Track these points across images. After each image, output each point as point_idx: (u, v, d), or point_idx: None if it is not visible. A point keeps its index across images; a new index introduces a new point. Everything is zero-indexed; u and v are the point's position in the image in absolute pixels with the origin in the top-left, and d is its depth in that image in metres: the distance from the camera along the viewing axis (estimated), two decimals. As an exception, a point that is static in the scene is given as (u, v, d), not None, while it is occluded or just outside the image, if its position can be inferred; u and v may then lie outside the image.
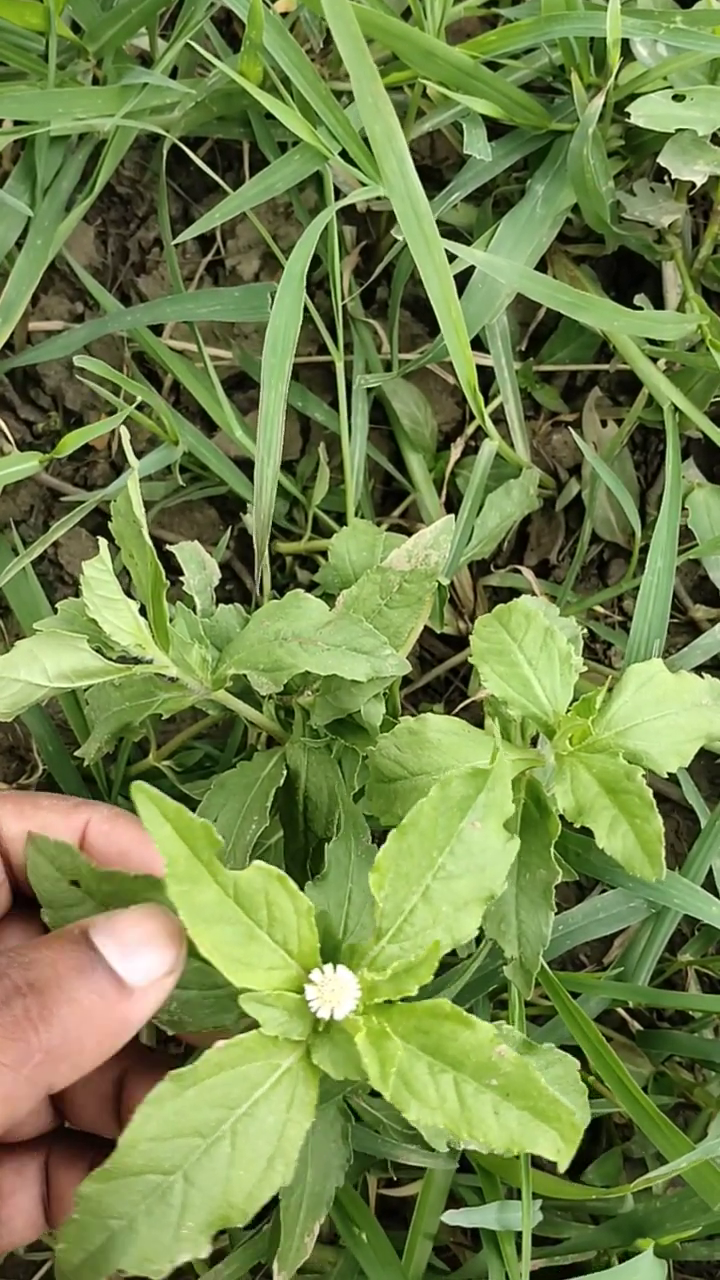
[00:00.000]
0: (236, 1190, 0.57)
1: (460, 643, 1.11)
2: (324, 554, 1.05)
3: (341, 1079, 0.59)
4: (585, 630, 1.10)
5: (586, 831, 0.80)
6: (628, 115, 0.94)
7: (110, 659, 0.79)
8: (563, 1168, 0.56)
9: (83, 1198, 0.56)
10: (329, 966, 0.60)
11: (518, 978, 0.76)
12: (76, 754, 0.92)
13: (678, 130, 0.93)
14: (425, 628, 1.09)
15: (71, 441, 0.94)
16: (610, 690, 0.78)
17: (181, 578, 0.92)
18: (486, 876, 0.62)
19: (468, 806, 0.62)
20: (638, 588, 0.96)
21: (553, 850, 0.75)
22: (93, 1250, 0.56)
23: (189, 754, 1.04)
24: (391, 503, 1.15)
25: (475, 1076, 0.58)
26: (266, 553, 0.98)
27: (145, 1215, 0.56)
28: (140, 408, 1.05)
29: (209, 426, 1.14)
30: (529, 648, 0.76)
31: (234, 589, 1.15)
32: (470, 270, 0.97)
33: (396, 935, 0.62)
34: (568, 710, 0.75)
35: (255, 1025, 0.60)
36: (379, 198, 1.06)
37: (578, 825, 0.71)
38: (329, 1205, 0.73)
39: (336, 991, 0.60)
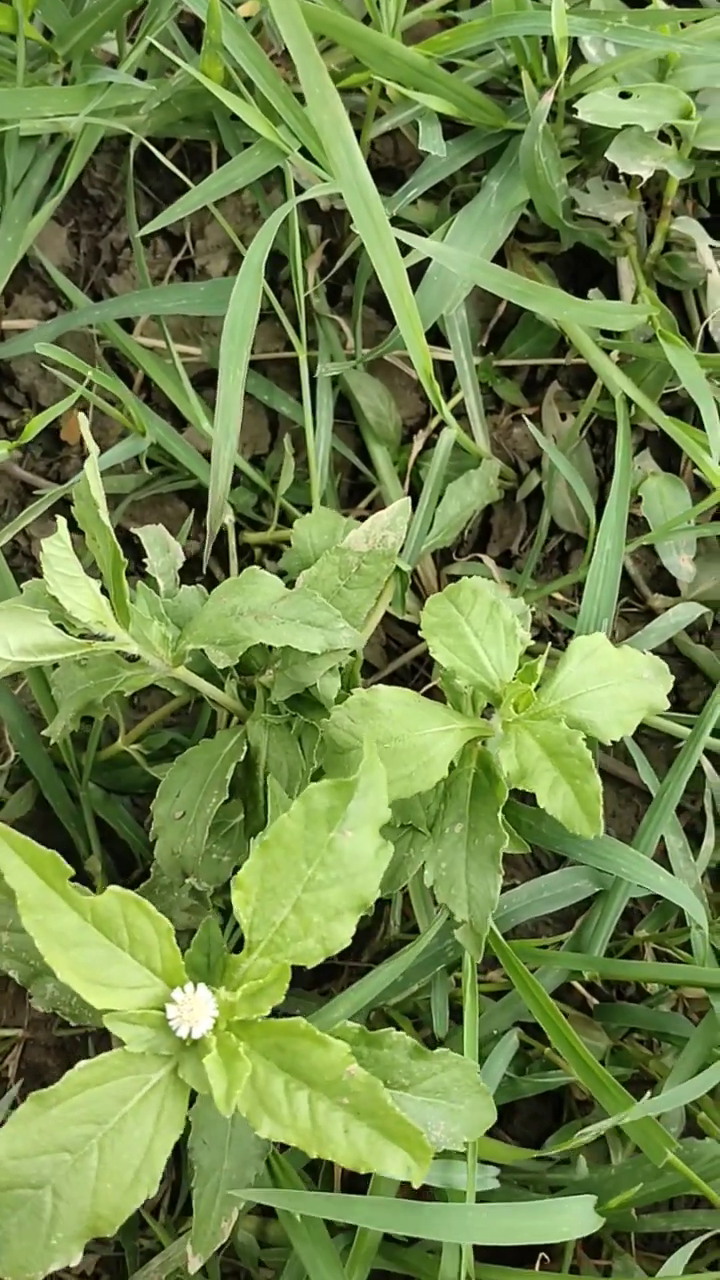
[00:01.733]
0: (104, 1203, 0.60)
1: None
2: (290, 543, 1.07)
3: (205, 1094, 0.62)
4: (547, 618, 1.12)
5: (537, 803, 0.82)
6: (577, 112, 0.97)
7: (73, 636, 0.81)
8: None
9: None
10: (189, 986, 0.63)
11: (468, 940, 0.77)
12: (44, 733, 0.94)
13: (625, 126, 0.95)
14: (389, 616, 1.11)
15: (35, 425, 0.96)
16: (555, 663, 0.81)
17: (147, 561, 0.95)
18: (359, 884, 0.64)
19: (335, 817, 0.64)
20: (588, 574, 0.99)
21: (500, 816, 0.77)
22: None
23: (156, 738, 1.06)
24: (358, 495, 1.17)
25: (327, 1094, 0.60)
26: (226, 531, 1.01)
27: (16, 1228, 0.60)
28: (112, 403, 1.07)
29: (178, 422, 1.16)
30: (476, 621, 0.79)
31: (203, 581, 1.17)
32: (427, 264, 1.00)
33: (268, 948, 0.64)
34: (513, 679, 0.77)
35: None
36: (340, 194, 1.09)
37: (522, 788, 0.73)
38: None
39: (195, 1010, 0.62)
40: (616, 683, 0.79)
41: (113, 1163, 0.60)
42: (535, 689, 0.76)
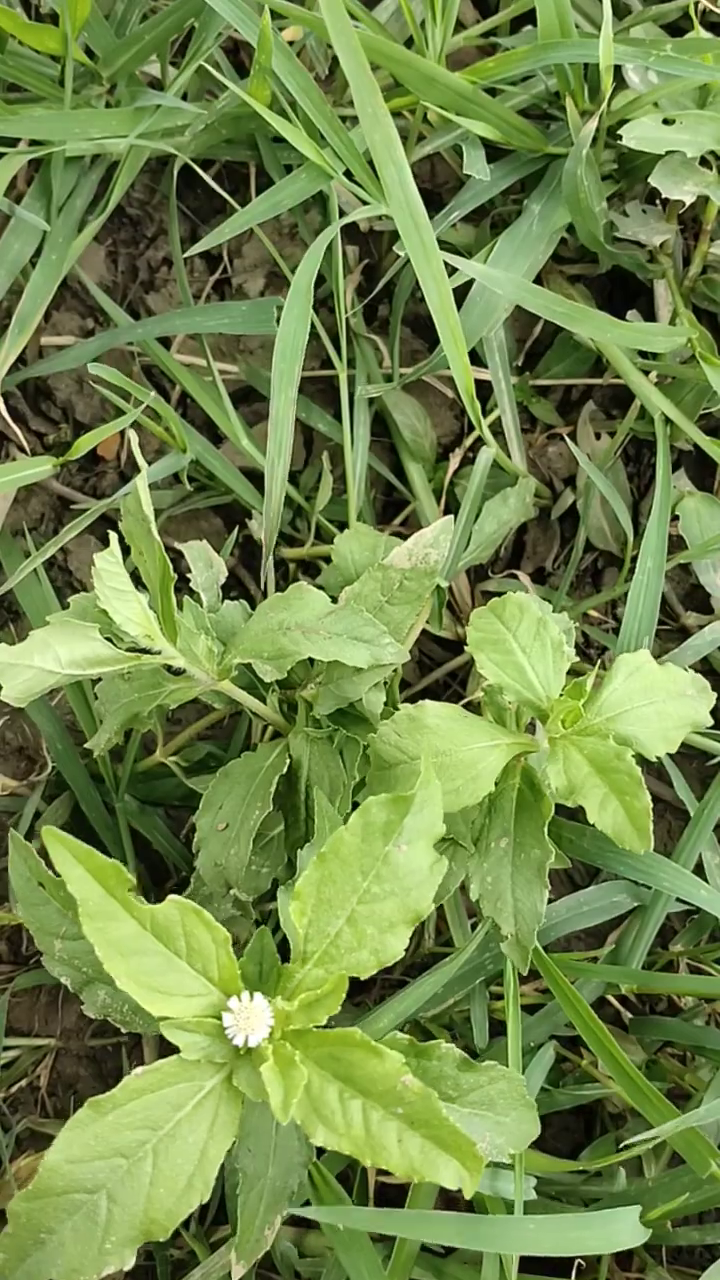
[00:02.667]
0: (158, 1207, 0.61)
1: (458, 647, 1.15)
2: (326, 559, 1.08)
3: (256, 1101, 0.63)
4: (580, 634, 1.13)
5: (578, 818, 0.83)
6: (620, 139, 0.98)
7: (120, 650, 0.82)
8: (467, 1195, 0.59)
9: (14, 1215, 0.60)
10: (246, 995, 0.64)
11: (513, 953, 0.78)
12: (86, 745, 0.95)
13: (668, 152, 0.97)
14: (424, 632, 1.12)
15: (85, 444, 0.98)
16: (600, 680, 0.81)
17: (190, 575, 0.96)
18: (413, 898, 0.65)
19: (391, 831, 0.65)
20: (627, 594, 1.00)
21: (546, 831, 0.78)
22: (27, 1262, 0.61)
23: (193, 750, 1.07)
24: (392, 512, 1.18)
25: (381, 1104, 0.61)
26: (260, 547, 1.01)
27: (72, 1231, 0.61)
28: (149, 418, 1.08)
29: (215, 439, 1.17)
30: (523, 636, 0.80)
31: (238, 594, 1.18)
32: (469, 285, 1.01)
33: (322, 959, 0.65)
34: (560, 695, 0.78)
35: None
36: (381, 217, 1.10)
37: (571, 804, 0.74)
38: (291, 1200, 0.76)
39: (251, 1019, 0.63)
40: (661, 699, 0.80)
41: (167, 1168, 0.61)
42: (582, 705, 0.77)
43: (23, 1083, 1.09)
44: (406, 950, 1.04)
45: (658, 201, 1.11)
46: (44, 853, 0.82)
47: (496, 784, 0.80)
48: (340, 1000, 0.61)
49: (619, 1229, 0.71)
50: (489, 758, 0.78)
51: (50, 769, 1.09)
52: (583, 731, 0.78)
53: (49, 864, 0.74)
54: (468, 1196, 0.58)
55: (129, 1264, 0.60)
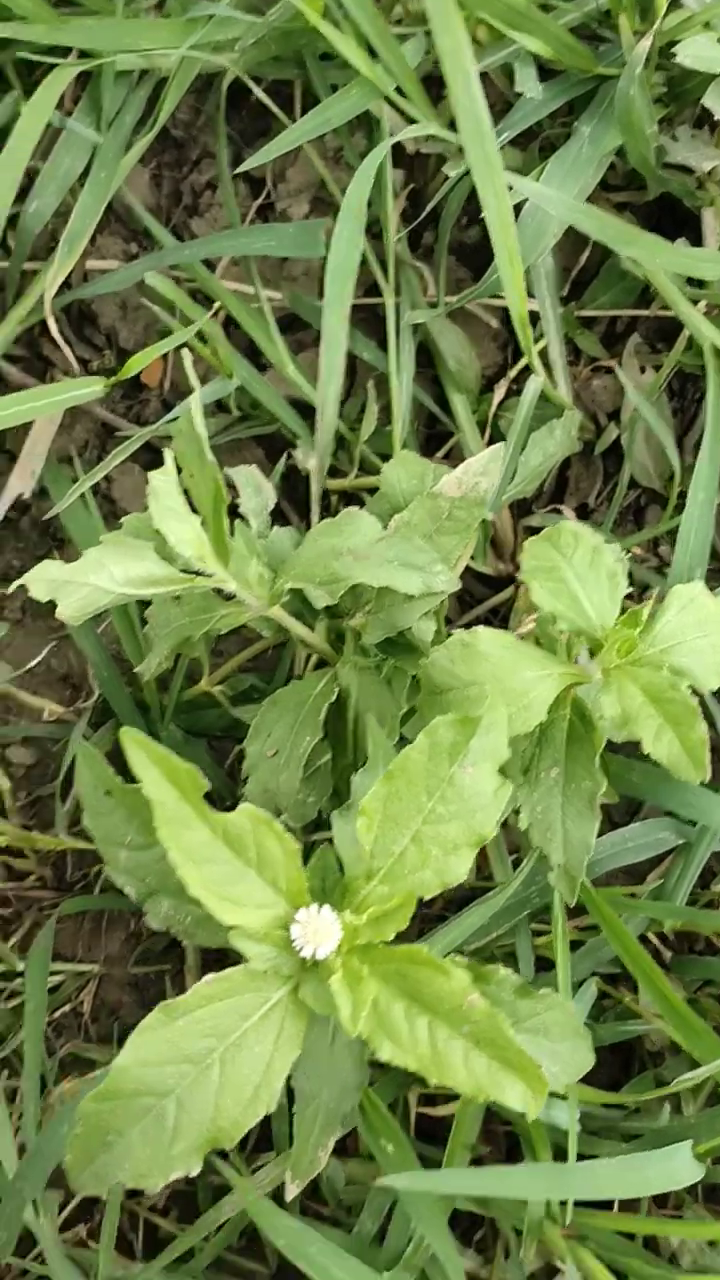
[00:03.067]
0: (224, 1115, 0.63)
1: (499, 584, 1.14)
2: (370, 491, 1.08)
3: (326, 1015, 0.63)
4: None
5: (626, 751, 0.83)
6: (673, 56, 0.97)
7: (174, 571, 0.82)
8: (531, 1118, 0.59)
9: (84, 1115, 0.61)
10: (314, 907, 0.64)
11: (562, 884, 0.79)
12: (136, 670, 0.95)
13: (722, 73, 0.95)
14: (466, 568, 1.11)
15: (137, 363, 0.97)
16: (653, 612, 0.81)
17: (239, 501, 0.95)
18: (477, 820, 0.65)
19: (458, 752, 0.65)
20: (673, 531, 0.99)
21: (598, 761, 0.78)
22: (95, 1164, 0.62)
23: (238, 681, 1.07)
24: (434, 445, 1.17)
25: (448, 1022, 0.62)
26: (301, 478, 1.01)
27: (140, 1135, 0.62)
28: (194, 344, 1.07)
29: (258, 368, 1.16)
30: (578, 565, 0.79)
31: (281, 526, 1.17)
32: (518, 210, 0.99)
33: (387, 876, 0.65)
34: (615, 625, 0.77)
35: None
36: (429, 138, 1.08)
37: (625, 734, 0.74)
38: (345, 1124, 0.77)
39: (319, 932, 0.64)
40: (715, 633, 0.80)
41: (234, 1077, 0.62)
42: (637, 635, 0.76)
43: (66, 1008, 1.10)
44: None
45: (707, 128, 1.09)
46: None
47: (548, 714, 0.80)
48: (409, 916, 0.62)
49: (678, 1167, 0.71)
50: (541, 687, 0.78)
51: (96, 696, 1.09)
52: (636, 662, 0.77)
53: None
54: (531, 1119, 0.59)
55: (195, 1170, 0.61)
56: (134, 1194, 1.07)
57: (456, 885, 0.65)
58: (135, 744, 0.62)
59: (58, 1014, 1.10)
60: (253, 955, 0.63)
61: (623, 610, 0.79)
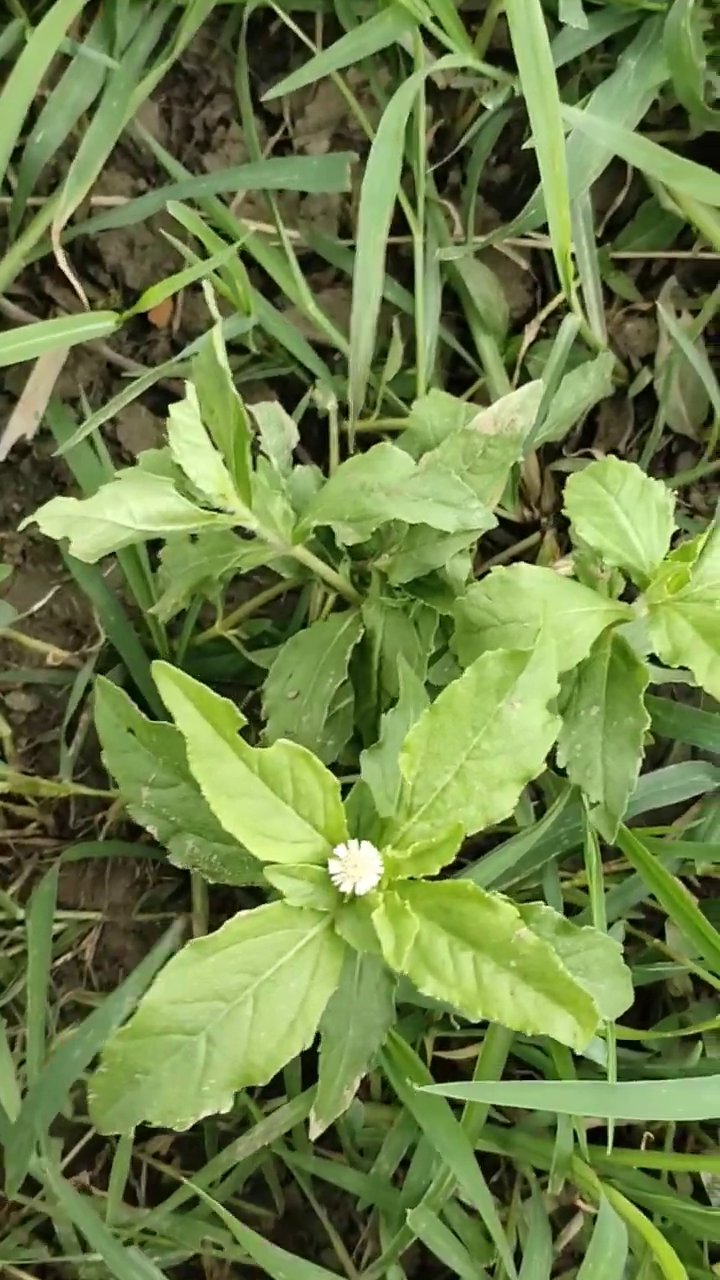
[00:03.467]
0: (257, 1051, 0.61)
1: (523, 530, 1.11)
2: (393, 434, 1.04)
3: (364, 951, 0.61)
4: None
5: (664, 694, 0.80)
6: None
7: (194, 507, 0.79)
8: (580, 1050, 0.57)
9: (110, 1053, 0.60)
10: (354, 842, 0.62)
11: (601, 822, 0.76)
12: (150, 611, 0.92)
13: (775, 2, 0.92)
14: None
15: (153, 296, 0.94)
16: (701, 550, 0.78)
17: (260, 438, 0.92)
18: (524, 756, 0.64)
19: (506, 687, 0.63)
20: (705, 478, 0.96)
21: (641, 699, 0.75)
22: (121, 1102, 0.61)
23: (253, 625, 1.04)
24: (456, 390, 1.14)
25: (494, 957, 0.60)
26: (321, 419, 0.97)
27: (170, 1072, 0.60)
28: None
29: (275, 308, 1.13)
30: (625, 500, 0.76)
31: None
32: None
33: (428, 813, 0.63)
34: (665, 559, 0.75)
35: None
36: (462, 70, 1.05)
37: (675, 665, 0.71)
38: (370, 1063, 0.75)
39: (359, 867, 0.62)
40: (766, 569, 0.77)
41: (268, 1013, 0.60)
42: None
43: (68, 956, 1.07)
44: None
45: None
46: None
47: (589, 653, 0.77)
48: (455, 850, 0.59)
49: (713, 1095, 0.69)
50: (584, 623, 0.75)
51: (103, 641, 1.06)
52: (685, 599, 0.74)
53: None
54: (579, 1051, 0.57)
55: (226, 1107, 0.59)
56: (139, 1140, 1.04)
57: (501, 820, 0.62)
58: (169, 678, 0.59)
59: (59, 962, 1.07)
60: (289, 891, 0.60)
61: (671, 546, 0.76)
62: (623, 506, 0.76)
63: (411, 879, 0.62)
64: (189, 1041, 0.59)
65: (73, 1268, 1.00)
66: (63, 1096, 0.91)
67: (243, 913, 0.60)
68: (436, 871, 0.60)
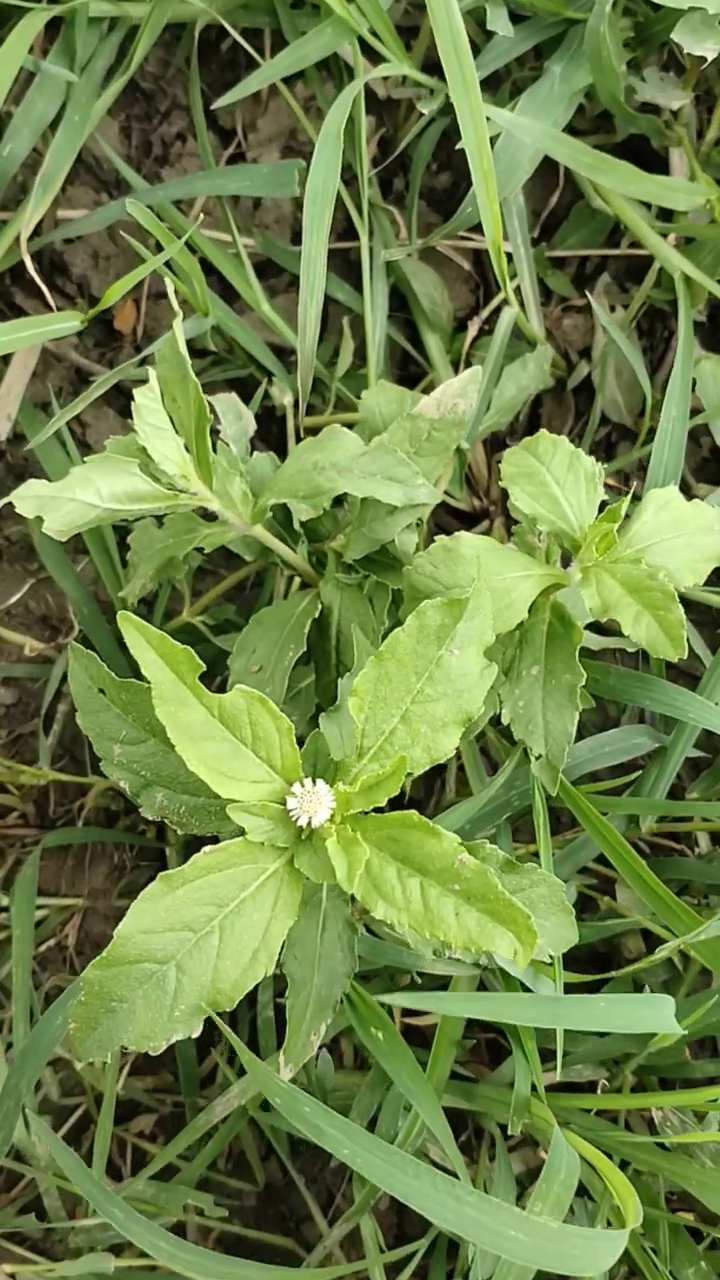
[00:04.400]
0: (224, 979, 0.65)
1: (472, 519, 1.16)
2: (347, 427, 1.10)
3: (320, 882, 0.66)
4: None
5: (602, 658, 0.85)
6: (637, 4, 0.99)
7: (159, 487, 0.83)
8: (521, 968, 0.61)
9: (87, 982, 0.64)
10: (309, 780, 0.66)
11: (544, 774, 0.81)
12: (120, 594, 0.96)
13: (690, 9, 0.98)
14: (440, 505, 1.13)
15: (116, 291, 0.98)
16: (630, 514, 0.83)
17: (220, 428, 0.97)
18: (464, 700, 0.68)
19: (445, 635, 0.68)
20: (644, 462, 1.01)
21: (577, 656, 0.80)
22: (99, 1030, 0.64)
23: (220, 611, 1.09)
24: (406, 385, 1.19)
25: (439, 881, 0.64)
26: (277, 414, 1.01)
27: (143, 999, 0.64)
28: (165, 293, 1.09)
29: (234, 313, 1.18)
30: (556, 469, 0.81)
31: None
32: (493, 142, 1.02)
33: (378, 755, 0.68)
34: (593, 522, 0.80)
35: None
36: (403, 81, 1.11)
37: (604, 619, 0.76)
38: (335, 1009, 0.79)
39: (314, 802, 0.66)
40: (690, 532, 0.82)
41: (233, 942, 0.64)
42: (615, 532, 0.78)
43: (51, 942, 1.11)
44: (429, 803, 1.07)
45: (673, 71, 1.12)
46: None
47: (529, 617, 0.82)
48: (400, 782, 0.64)
49: (657, 1012, 0.73)
50: (522, 587, 0.80)
51: (77, 632, 1.10)
52: (615, 560, 0.80)
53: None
54: (520, 968, 0.61)
55: (196, 1032, 0.62)
56: (121, 1121, 1.08)
57: (444, 759, 0.67)
58: (133, 627, 0.63)
59: (43, 948, 1.10)
60: (250, 827, 0.64)
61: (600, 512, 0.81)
62: (554, 476, 0.81)
63: (363, 813, 0.66)
64: (160, 970, 0.63)
65: (60, 1234, 1.03)
66: (44, 1060, 0.94)
67: (208, 848, 0.64)
68: (383, 803, 0.65)
